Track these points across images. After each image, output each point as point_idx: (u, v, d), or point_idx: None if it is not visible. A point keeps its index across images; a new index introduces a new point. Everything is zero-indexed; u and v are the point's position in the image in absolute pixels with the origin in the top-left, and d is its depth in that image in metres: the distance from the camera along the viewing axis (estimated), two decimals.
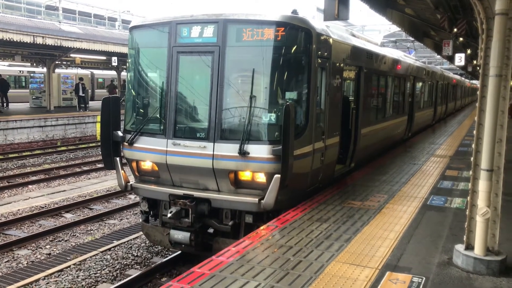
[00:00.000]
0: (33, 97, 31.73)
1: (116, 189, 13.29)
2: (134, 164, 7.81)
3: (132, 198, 12.84)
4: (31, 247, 9.25)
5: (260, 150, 6.76)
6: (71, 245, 9.40)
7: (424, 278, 4.73)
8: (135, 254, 8.67)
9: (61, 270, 7.89)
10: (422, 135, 18.35)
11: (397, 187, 8.89)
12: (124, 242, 9.23)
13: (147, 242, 9.11)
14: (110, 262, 8.30)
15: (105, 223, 10.84)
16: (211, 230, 7.46)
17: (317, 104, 7.49)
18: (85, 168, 17.23)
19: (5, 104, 28.83)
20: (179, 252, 8.28)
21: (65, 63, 33.54)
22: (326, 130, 7.93)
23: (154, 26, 7.60)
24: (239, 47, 6.99)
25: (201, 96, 7.31)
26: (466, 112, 37.23)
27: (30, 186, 14.12)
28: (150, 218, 8.02)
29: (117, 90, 34.54)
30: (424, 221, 6.74)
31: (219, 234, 7.36)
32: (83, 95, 29.78)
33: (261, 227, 6.37)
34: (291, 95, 7.09)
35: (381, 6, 14.52)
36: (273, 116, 6.89)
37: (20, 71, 35.96)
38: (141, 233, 9.24)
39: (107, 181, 14.89)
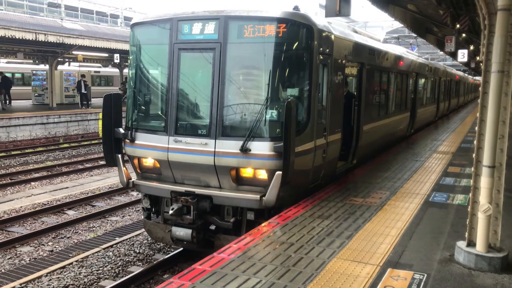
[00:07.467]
0: (36, 95, 31.74)
1: (118, 186, 13.32)
2: (135, 161, 7.82)
3: (134, 195, 12.86)
4: (34, 244, 9.28)
5: (261, 147, 6.75)
6: (74, 242, 9.42)
7: (425, 275, 4.72)
8: (137, 251, 8.69)
9: (63, 267, 7.91)
10: (425, 132, 18.30)
11: (399, 183, 8.87)
12: (126, 239, 9.25)
13: (149, 239, 9.12)
14: (112, 259, 8.32)
15: (107, 220, 10.87)
16: (212, 227, 7.47)
17: (318, 101, 7.47)
18: (87, 165, 17.26)
19: (7, 101, 28.88)
20: (181, 249, 8.29)
21: (67, 60, 33.49)
22: (328, 126, 7.91)
23: (156, 23, 7.59)
24: (241, 43, 6.97)
25: (202, 93, 7.30)
26: (469, 108, 37.11)
27: (32, 183, 14.16)
28: (152, 215, 8.02)
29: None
30: (426, 218, 6.72)
31: (220, 231, 7.37)
32: (85, 92, 29.79)
33: (263, 224, 6.37)
34: (292, 91, 7.07)
35: (383, 2, 14.46)
36: (274, 112, 6.87)
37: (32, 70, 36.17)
38: (143, 230, 9.27)
39: (109, 178, 14.92)
